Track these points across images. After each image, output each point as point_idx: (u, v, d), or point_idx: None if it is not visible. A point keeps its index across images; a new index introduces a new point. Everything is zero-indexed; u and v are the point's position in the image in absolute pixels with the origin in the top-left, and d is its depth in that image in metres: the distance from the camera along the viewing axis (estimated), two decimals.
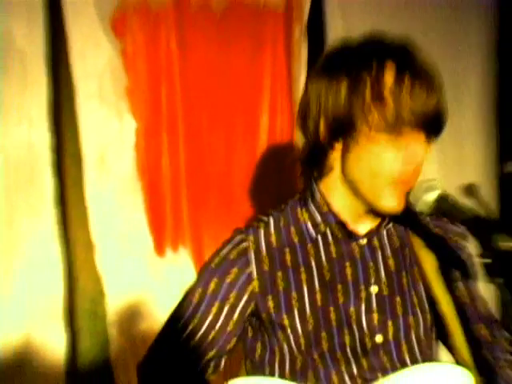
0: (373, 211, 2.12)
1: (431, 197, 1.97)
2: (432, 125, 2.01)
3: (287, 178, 3.82)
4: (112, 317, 3.53)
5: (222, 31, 3.76)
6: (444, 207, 1.96)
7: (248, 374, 2.26)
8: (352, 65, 2.03)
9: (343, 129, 2.02)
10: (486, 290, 2.32)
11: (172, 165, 3.67)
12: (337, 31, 3.96)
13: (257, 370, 2.22)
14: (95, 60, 3.49)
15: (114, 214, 3.56)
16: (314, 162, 2.16)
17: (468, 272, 2.23)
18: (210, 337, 2.17)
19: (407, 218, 2.17)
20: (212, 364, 2.20)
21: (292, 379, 2.12)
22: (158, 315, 3.51)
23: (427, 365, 2.12)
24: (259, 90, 3.87)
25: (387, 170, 1.99)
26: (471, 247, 2.18)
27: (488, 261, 1.79)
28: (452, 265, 2.21)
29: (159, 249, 3.66)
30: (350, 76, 2.01)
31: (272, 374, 2.16)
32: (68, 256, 3.50)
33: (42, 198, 3.42)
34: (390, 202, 2.03)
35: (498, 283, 1.76)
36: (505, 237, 1.77)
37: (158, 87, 3.64)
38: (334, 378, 2.08)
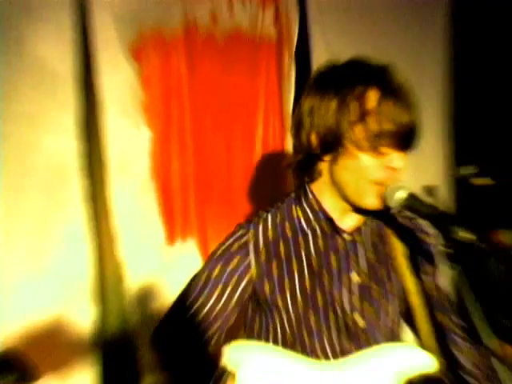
0: (356, 210, 2.11)
1: (401, 196, 1.96)
2: (409, 141, 2.01)
3: (278, 179, 3.81)
4: (131, 295, 3.52)
5: (224, 57, 3.75)
6: (412, 205, 1.96)
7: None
8: (340, 86, 2.01)
9: (332, 145, 2.01)
10: (445, 276, 2.34)
11: (181, 168, 3.66)
12: (319, 57, 3.93)
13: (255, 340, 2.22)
14: (117, 80, 3.45)
15: (132, 210, 3.53)
16: (306, 168, 2.15)
17: (433, 263, 2.24)
18: (213, 314, 2.17)
19: (384, 216, 2.18)
20: (214, 338, 2.21)
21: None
22: (169, 295, 3.43)
23: (395, 345, 2.13)
24: (255, 106, 3.87)
25: (370, 178, 1.98)
26: (434, 241, 2.23)
27: (448, 250, 1.80)
28: (420, 256, 2.22)
29: (170, 239, 3.64)
30: (338, 96, 1.99)
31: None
32: (95, 245, 3.48)
33: (72, 198, 3.38)
34: (372, 201, 2.02)
35: (457, 269, 1.79)
36: (463, 230, 1.78)
37: (169, 103, 3.62)
38: (319, 351, 2.10)
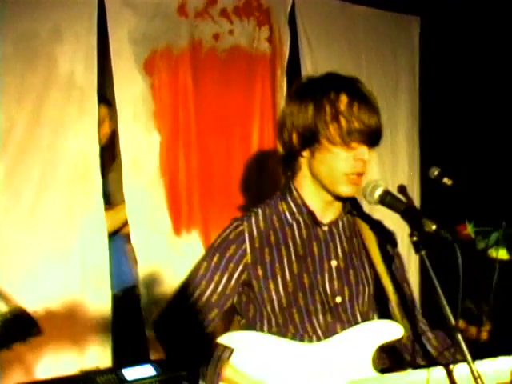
0: (335, 202, 2.30)
1: (377, 192, 2.14)
2: (373, 138, 2.21)
3: (271, 177, 4.02)
4: (142, 279, 3.73)
5: (224, 71, 3.97)
6: (386, 200, 2.13)
7: (242, 329, 2.38)
8: (316, 93, 2.21)
9: (309, 141, 2.21)
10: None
11: (186, 167, 3.87)
12: (307, 70, 4.20)
13: (250, 326, 2.35)
14: (131, 91, 3.68)
15: (143, 203, 3.74)
16: (289, 164, 2.33)
17: (396, 254, 2.46)
18: (213, 299, 2.30)
19: (357, 210, 2.40)
20: (213, 322, 2.34)
21: (277, 331, 2.28)
22: (175, 279, 3.66)
23: (371, 322, 2.33)
24: (251, 113, 4.11)
25: (342, 169, 2.18)
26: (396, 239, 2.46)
27: (415, 238, 1.99)
28: (387, 247, 2.41)
29: (176, 230, 3.85)
30: (314, 101, 2.19)
31: (261, 329, 2.32)
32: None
33: (93, 192, 3.59)
34: (345, 190, 2.21)
35: (422, 254, 1.97)
36: (428, 221, 1.98)
37: (177, 111, 3.84)
38: (309, 327, 2.26)
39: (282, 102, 4.11)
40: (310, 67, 4.22)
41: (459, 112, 4.64)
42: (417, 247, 1.99)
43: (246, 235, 2.30)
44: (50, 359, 3.43)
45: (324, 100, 2.18)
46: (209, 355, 2.26)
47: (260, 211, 2.36)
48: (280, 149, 2.34)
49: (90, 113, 3.58)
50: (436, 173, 2.92)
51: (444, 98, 4.66)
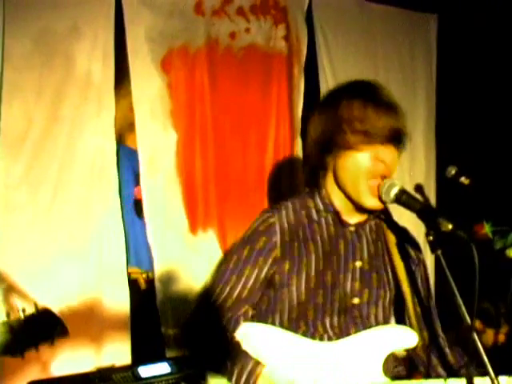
0: (359, 209, 2.29)
1: (393, 191, 2.13)
2: (393, 137, 2.19)
3: (287, 176, 4.06)
4: (158, 277, 3.72)
5: (241, 69, 3.97)
6: (402, 198, 2.12)
7: (253, 320, 2.36)
8: (331, 102, 2.28)
9: (328, 149, 2.24)
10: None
11: (203, 166, 3.86)
12: (324, 69, 4.21)
13: (261, 317, 2.34)
14: (149, 90, 3.69)
15: (160, 202, 3.73)
16: (316, 174, 2.36)
17: (421, 266, 2.45)
18: (244, 295, 2.30)
19: (384, 216, 2.39)
20: (244, 317, 2.32)
21: (288, 327, 2.26)
22: (190, 276, 3.78)
23: (386, 326, 2.32)
24: (268, 112, 4.08)
25: (364, 173, 2.17)
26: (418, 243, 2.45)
27: (431, 238, 1.97)
28: (411, 257, 2.40)
29: (193, 228, 3.84)
30: (329, 110, 2.25)
31: (273, 322, 2.30)
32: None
33: (110, 189, 3.60)
34: (370, 202, 2.21)
35: (438, 253, 1.96)
36: (444, 220, 1.95)
37: (193, 109, 3.84)
38: (320, 326, 2.25)
39: (299, 100, 4.13)
40: (327, 65, 4.21)
41: (477, 111, 4.59)
42: (433, 246, 1.97)
43: (277, 228, 2.30)
44: (67, 357, 3.43)
45: (338, 108, 2.21)
46: (236, 355, 2.23)
47: (290, 205, 2.36)
48: (305, 160, 2.44)
49: (107, 111, 3.60)
50: (453, 172, 2.90)
51: (461, 96, 4.62)
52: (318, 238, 2.31)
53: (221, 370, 2.24)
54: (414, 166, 4.62)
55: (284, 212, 2.33)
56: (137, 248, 3.86)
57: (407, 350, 2.29)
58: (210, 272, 3.85)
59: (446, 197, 4.50)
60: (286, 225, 2.30)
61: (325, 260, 2.28)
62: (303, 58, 4.16)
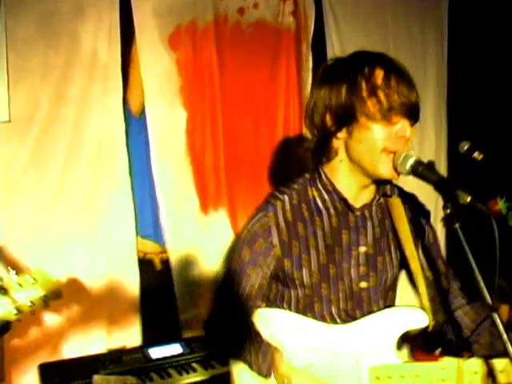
0: (370, 186, 2.20)
1: (409, 162, 2.03)
2: (413, 112, 2.09)
3: (296, 156, 3.89)
4: (173, 258, 3.70)
5: (249, 44, 3.90)
6: (418, 170, 2.02)
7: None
8: (348, 71, 2.10)
9: (346, 121, 2.08)
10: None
11: (213, 145, 3.81)
12: (332, 45, 4.11)
13: (271, 307, 2.31)
14: (157, 67, 3.63)
15: (171, 182, 3.69)
16: (323, 149, 2.19)
17: (431, 234, 2.39)
18: (253, 294, 2.25)
19: (390, 192, 2.28)
20: (251, 311, 2.26)
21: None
22: (203, 255, 3.75)
23: (397, 307, 2.27)
24: (277, 88, 4.01)
25: (382, 147, 2.05)
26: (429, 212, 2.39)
27: (449, 211, 1.87)
28: (421, 228, 2.34)
29: (204, 208, 3.80)
30: (347, 79, 2.08)
31: None
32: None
33: (119, 170, 3.55)
34: (386, 172, 2.08)
35: (456, 227, 1.85)
36: (463, 193, 1.85)
37: (203, 87, 3.77)
38: (326, 315, 2.21)
39: (307, 76, 4.05)
40: (335, 42, 4.12)
41: (488, 87, 4.46)
42: (451, 220, 1.87)
43: (273, 227, 2.21)
44: (78, 339, 3.42)
45: (358, 76, 2.07)
46: (254, 343, 2.20)
47: (287, 198, 2.24)
48: (311, 134, 2.23)
49: (114, 91, 3.54)
50: (466, 147, 2.79)
51: (472, 72, 4.51)
52: (319, 231, 2.22)
53: (241, 359, 2.23)
54: (423, 142, 4.53)
55: (280, 209, 2.22)
56: (154, 223, 3.77)
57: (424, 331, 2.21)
58: (222, 252, 3.82)
59: (456, 173, 4.36)
60: (282, 223, 2.21)
61: (327, 253, 2.21)
62: (311, 34, 4.07)
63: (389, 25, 4.40)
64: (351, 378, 2.13)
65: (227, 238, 3.86)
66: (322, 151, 2.20)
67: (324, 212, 2.22)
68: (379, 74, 2.06)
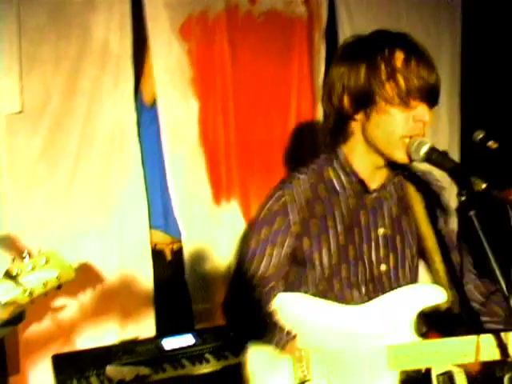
0: (385, 166, 2.17)
1: (423, 149, 2.01)
2: (432, 96, 2.07)
3: (309, 141, 3.96)
4: (186, 249, 3.69)
5: (261, 34, 3.85)
6: (433, 157, 2.00)
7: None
8: (368, 52, 2.06)
9: (363, 103, 2.06)
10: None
11: (225, 135, 3.78)
12: (345, 34, 4.01)
13: (289, 291, 2.27)
14: (168, 58, 3.60)
15: (183, 173, 3.67)
16: (339, 130, 2.18)
17: (446, 211, 2.34)
18: (269, 272, 2.24)
19: (403, 170, 2.25)
20: (273, 291, 2.24)
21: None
22: (215, 245, 3.75)
23: (413, 285, 2.24)
24: (289, 78, 3.96)
25: (399, 132, 2.03)
26: (446, 192, 2.34)
27: (464, 198, 1.84)
28: (435, 205, 2.30)
29: (216, 199, 3.79)
30: (367, 60, 2.04)
31: None
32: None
33: (130, 161, 3.54)
34: (401, 156, 2.06)
35: (471, 214, 1.82)
36: (478, 179, 1.83)
37: (214, 77, 3.74)
38: (348, 297, 2.19)
39: (320, 66, 4.01)
40: (348, 31, 4.04)
41: (503, 75, 4.40)
42: (465, 207, 1.84)
43: (292, 205, 2.20)
44: (91, 330, 3.42)
45: (378, 58, 2.04)
46: (269, 326, 2.20)
47: (305, 178, 2.23)
48: (328, 114, 2.21)
49: (126, 82, 3.53)
50: (481, 136, 2.76)
51: (486, 60, 4.44)
52: (337, 212, 2.20)
53: (259, 339, 2.23)
54: (437, 131, 4.47)
55: (297, 187, 2.22)
56: (165, 214, 3.76)
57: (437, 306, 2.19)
58: (234, 243, 3.81)
59: (470, 162, 4.32)
60: (300, 201, 2.20)
61: (346, 234, 2.19)
62: (324, 23, 4.02)
63: (402, 14, 4.34)
64: (367, 359, 2.10)
65: (239, 228, 3.84)
66: (339, 131, 2.20)
67: (341, 192, 2.21)
68: (399, 57, 2.03)
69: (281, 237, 2.21)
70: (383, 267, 2.21)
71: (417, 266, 2.31)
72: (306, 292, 2.22)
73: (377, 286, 2.21)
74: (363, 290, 2.20)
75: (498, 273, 1.80)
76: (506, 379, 2.31)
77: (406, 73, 2.01)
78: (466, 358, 2.02)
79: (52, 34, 3.34)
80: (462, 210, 1.86)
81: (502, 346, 1.95)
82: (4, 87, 3.23)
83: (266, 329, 2.20)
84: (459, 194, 1.86)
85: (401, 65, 2.02)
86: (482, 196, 1.84)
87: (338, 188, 2.21)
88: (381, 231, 2.22)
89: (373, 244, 2.21)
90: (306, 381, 2.12)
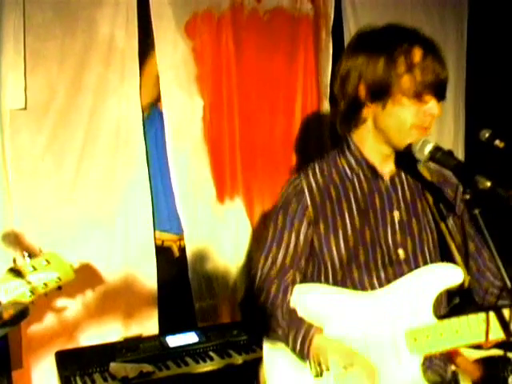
0: (393, 155, 2.23)
1: (427, 148, 2.06)
2: (443, 91, 2.14)
3: (315, 143, 3.96)
4: (189, 247, 3.68)
5: (266, 32, 3.85)
6: (437, 156, 2.04)
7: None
8: (387, 44, 2.12)
9: (380, 92, 2.12)
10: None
11: (230, 133, 3.78)
12: (350, 32, 4.01)
13: (307, 282, 2.31)
14: (173, 55, 3.60)
15: (187, 170, 3.67)
16: (352, 116, 2.23)
17: (455, 207, 2.33)
18: (287, 262, 2.28)
19: (414, 165, 2.29)
20: (292, 283, 2.28)
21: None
22: (218, 244, 3.76)
23: (429, 266, 2.21)
24: (295, 76, 3.96)
25: (410, 122, 2.10)
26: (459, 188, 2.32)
27: (468, 196, 1.89)
28: (446, 201, 2.31)
29: (220, 197, 3.79)
30: (386, 52, 2.11)
31: None
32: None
33: (136, 158, 3.54)
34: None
35: (476, 213, 1.87)
36: (482, 178, 1.88)
37: (219, 75, 3.74)
38: (367, 283, 2.20)
39: (327, 64, 4.00)
40: (353, 28, 4.04)
41: (509, 74, 4.38)
42: (470, 205, 1.89)
43: (306, 191, 2.26)
44: (94, 327, 3.44)
45: (397, 51, 2.11)
46: (290, 320, 2.22)
47: (318, 166, 2.32)
48: (340, 101, 2.25)
49: (131, 78, 3.53)
50: (487, 135, 2.76)
51: (493, 59, 4.43)
52: (352, 195, 2.25)
53: (277, 337, 2.25)
54: (442, 129, 4.48)
55: (311, 174, 2.30)
56: (169, 213, 3.76)
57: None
58: (238, 241, 3.83)
59: (475, 161, 4.22)
60: (314, 186, 2.27)
61: (361, 217, 2.23)
62: (331, 21, 4.01)
63: (408, 11, 4.34)
64: (388, 344, 2.12)
65: (243, 227, 3.86)
66: (351, 118, 2.25)
67: (354, 178, 2.27)
68: (418, 52, 2.10)
69: (297, 221, 2.26)
70: (401, 252, 2.23)
71: (436, 250, 2.30)
72: (326, 281, 2.26)
73: (396, 271, 2.22)
74: (382, 275, 2.21)
75: (502, 270, 1.84)
76: (510, 380, 2.32)
77: (423, 68, 2.08)
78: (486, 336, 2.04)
79: (57, 30, 3.35)
80: (467, 208, 1.96)
81: None
82: (9, 83, 3.23)
83: (286, 328, 2.21)
84: (464, 193, 1.91)
85: (419, 59, 2.09)
86: (487, 195, 1.86)
87: (349, 174, 2.27)
88: (396, 214, 2.25)
89: (389, 227, 2.24)
90: (320, 373, 2.15)
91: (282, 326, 2.22)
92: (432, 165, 2.28)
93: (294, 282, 2.30)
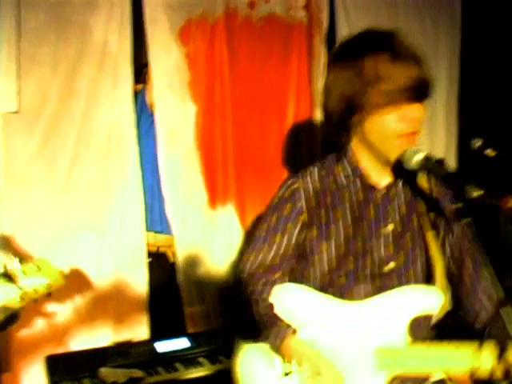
0: (390, 165, 2.17)
1: (419, 157, 2.02)
2: (422, 92, 2.06)
3: (307, 147, 3.97)
4: (179, 251, 3.68)
5: (260, 39, 3.84)
6: (428, 165, 2.01)
7: None
8: (353, 55, 2.08)
9: (354, 106, 2.08)
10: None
11: (222, 139, 3.78)
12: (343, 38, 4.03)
13: (292, 282, 2.30)
14: (167, 61, 3.60)
15: (179, 176, 3.67)
16: (340, 132, 2.22)
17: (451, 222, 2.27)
18: (276, 262, 2.29)
19: (410, 177, 2.25)
20: (277, 282, 2.29)
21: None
22: (209, 251, 3.76)
23: (414, 286, 2.20)
24: (287, 84, 3.95)
25: (393, 133, 2.05)
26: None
27: (459, 205, 1.91)
28: (441, 212, 2.25)
29: (212, 203, 3.78)
30: (354, 64, 2.06)
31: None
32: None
33: (128, 163, 3.54)
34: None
35: (467, 221, 1.90)
36: (472, 187, 1.85)
37: (212, 81, 3.74)
38: (355, 292, 2.19)
39: (320, 71, 3.98)
40: (346, 35, 3.99)
41: (502, 80, 4.42)
42: (461, 214, 1.91)
43: (302, 193, 2.25)
44: (85, 332, 3.43)
45: (361, 62, 2.06)
46: (267, 318, 2.24)
47: (316, 170, 2.30)
48: (328, 119, 2.24)
49: (124, 83, 3.53)
50: (478, 144, 2.79)
51: (486, 65, 4.46)
52: (347, 204, 2.23)
53: (255, 336, 2.27)
54: (433, 139, 4.47)
55: (309, 177, 2.28)
56: (161, 214, 3.75)
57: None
58: (230, 247, 3.83)
59: (466, 171, 4.23)
60: (311, 190, 2.25)
61: (354, 226, 2.21)
62: (325, 28, 4.01)
63: (401, 18, 4.33)
64: (356, 357, 2.12)
65: (235, 233, 3.86)
66: (341, 131, 2.23)
67: (349, 187, 2.25)
68: (384, 59, 2.04)
69: (291, 224, 2.26)
70: (392, 264, 2.21)
71: (430, 267, 2.25)
72: (313, 284, 2.25)
73: (385, 283, 2.20)
74: (369, 286, 2.20)
75: (495, 280, 1.87)
76: None
77: (391, 75, 2.02)
78: (458, 369, 2.02)
79: (51, 35, 3.35)
80: (457, 217, 1.92)
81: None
82: (1, 87, 3.23)
83: (265, 322, 2.23)
84: (455, 201, 1.94)
85: (384, 67, 2.03)
86: (478, 204, 1.85)
87: (345, 183, 2.25)
88: (390, 227, 2.23)
89: (382, 239, 2.22)
90: (289, 372, 2.16)
91: (262, 319, 2.24)
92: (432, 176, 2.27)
93: (280, 281, 2.30)
